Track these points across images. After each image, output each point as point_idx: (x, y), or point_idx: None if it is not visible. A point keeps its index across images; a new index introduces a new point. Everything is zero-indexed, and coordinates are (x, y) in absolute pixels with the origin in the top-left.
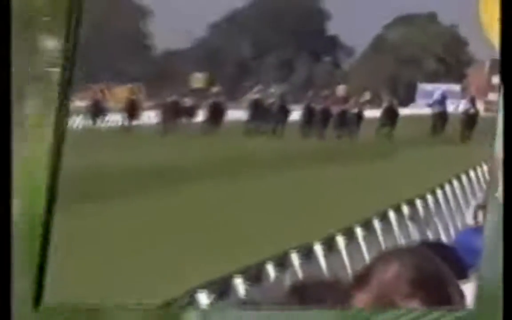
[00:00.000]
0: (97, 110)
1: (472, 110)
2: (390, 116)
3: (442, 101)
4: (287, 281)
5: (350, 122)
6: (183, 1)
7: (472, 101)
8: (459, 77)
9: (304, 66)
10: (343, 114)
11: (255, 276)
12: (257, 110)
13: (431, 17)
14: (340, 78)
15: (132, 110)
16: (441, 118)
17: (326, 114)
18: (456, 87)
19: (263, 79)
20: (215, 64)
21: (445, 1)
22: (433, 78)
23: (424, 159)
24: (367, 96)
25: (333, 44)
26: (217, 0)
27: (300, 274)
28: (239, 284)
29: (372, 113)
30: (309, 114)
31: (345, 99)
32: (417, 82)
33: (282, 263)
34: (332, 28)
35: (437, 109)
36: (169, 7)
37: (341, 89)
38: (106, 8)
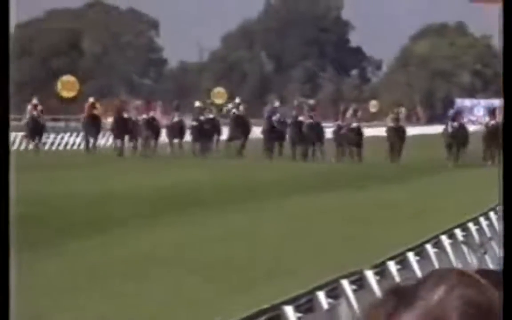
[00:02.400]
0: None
1: (492, 122)
2: (397, 133)
3: (454, 116)
4: (341, 310)
5: (351, 139)
6: (190, 12)
7: (493, 113)
8: (498, 91)
9: (330, 79)
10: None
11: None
12: (237, 126)
13: (460, 28)
14: (369, 93)
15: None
16: (457, 134)
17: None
18: (496, 102)
19: (287, 94)
20: (235, 79)
21: (473, 10)
22: (470, 92)
23: (465, 179)
24: (402, 112)
25: (359, 56)
26: (226, 10)
27: (354, 303)
28: (290, 313)
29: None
30: (297, 130)
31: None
32: (454, 97)
33: (334, 291)
34: (356, 39)
35: (451, 125)
36: (177, 19)
37: (373, 105)
38: (116, 22)
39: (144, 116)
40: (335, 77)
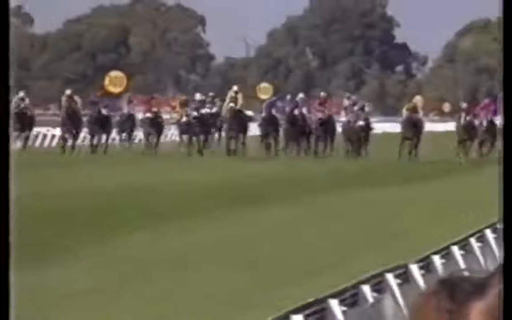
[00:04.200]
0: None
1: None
2: (412, 129)
3: (469, 109)
4: (386, 304)
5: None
6: (237, 8)
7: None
8: None
9: (375, 75)
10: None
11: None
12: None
13: None
14: (414, 88)
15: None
16: (471, 129)
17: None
18: None
19: (332, 90)
20: (280, 74)
21: None
22: None
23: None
24: (446, 108)
25: (404, 52)
26: (271, 7)
27: (398, 296)
28: (335, 307)
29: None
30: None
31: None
32: (498, 93)
33: (379, 285)
34: (401, 35)
35: (464, 119)
36: (223, 15)
37: (418, 100)
38: (166, 18)
39: (148, 114)
40: (380, 73)
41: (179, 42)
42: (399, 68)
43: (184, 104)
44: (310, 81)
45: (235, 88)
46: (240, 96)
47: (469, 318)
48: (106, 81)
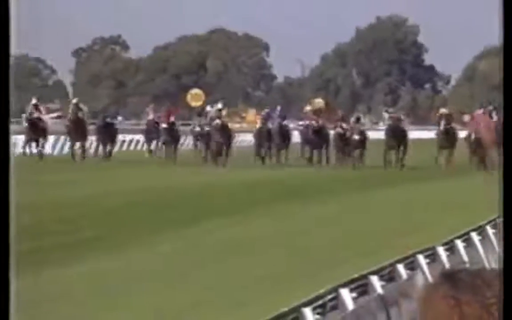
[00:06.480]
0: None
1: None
2: (395, 133)
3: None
4: (417, 280)
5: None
6: (294, 36)
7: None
8: None
9: (408, 92)
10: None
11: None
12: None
13: None
14: (439, 102)
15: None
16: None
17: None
18: None
19: (373, 104)
20: (330, 91)
21: None
22: None
23: None
24: (466, 119)
25: (431, 73)
26: (324, 35)
27: (427, 273)
28: (376, 282)
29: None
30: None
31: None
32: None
33: (412, 264)
34: (429, 59)
35: (442, 126)
36: (283, 42)
37: (443, 112)
38: (234, 45)
39: (164, 124)
40: (412, 90)
41: (247, 65)
42: (428, 85)
43: (199, 114)
44: (355, 97)
45: (219, 105)
46: (223, 112)
47: (470, 302)
48: (188, 97)
